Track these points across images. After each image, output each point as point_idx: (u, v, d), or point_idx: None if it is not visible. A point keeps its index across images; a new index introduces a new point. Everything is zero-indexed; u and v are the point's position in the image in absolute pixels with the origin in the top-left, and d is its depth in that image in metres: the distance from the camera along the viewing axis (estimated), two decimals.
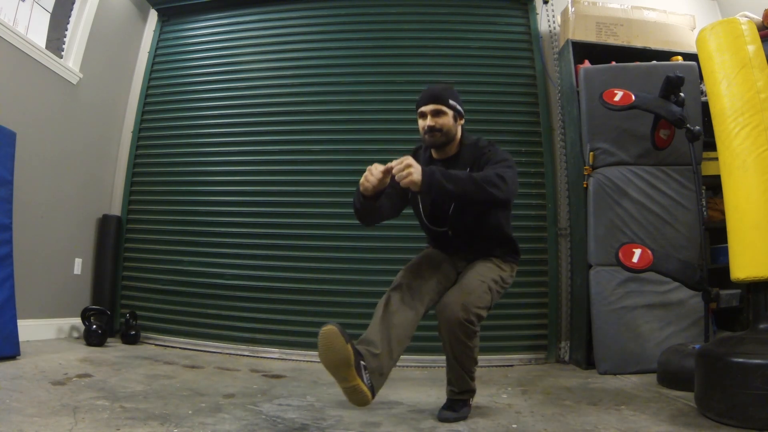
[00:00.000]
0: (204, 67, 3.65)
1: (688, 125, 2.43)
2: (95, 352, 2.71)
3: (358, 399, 1.44)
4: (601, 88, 2.62)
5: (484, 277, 1.70)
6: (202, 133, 3.54)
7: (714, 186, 2.91)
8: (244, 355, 3.05)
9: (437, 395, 2.02)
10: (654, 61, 2.98)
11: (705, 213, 2.83)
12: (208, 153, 3.50)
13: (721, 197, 2.00)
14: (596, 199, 2.77)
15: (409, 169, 1.50)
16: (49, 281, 3.00)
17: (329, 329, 1.39)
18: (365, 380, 1.43)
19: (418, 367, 2.86)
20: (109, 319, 3.14)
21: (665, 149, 2.69)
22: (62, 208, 3.13)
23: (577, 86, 2.95)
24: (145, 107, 3.70)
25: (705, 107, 2.48)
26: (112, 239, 3.42)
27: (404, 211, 1.89)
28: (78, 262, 3.27)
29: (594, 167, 2.82)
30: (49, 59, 2.98)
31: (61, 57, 3.16)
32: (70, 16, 3.27)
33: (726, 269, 1.93)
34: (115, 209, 3.56)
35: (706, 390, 1.68)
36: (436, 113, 1.75)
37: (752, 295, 1.86)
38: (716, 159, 2.03)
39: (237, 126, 3.48)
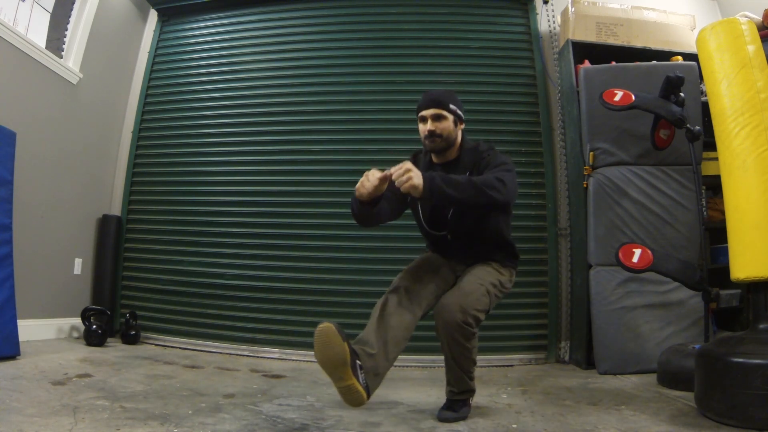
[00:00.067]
0: (204, 67, 3.65)
1: (688, 125, 2.43)
2: (95, 352, 2.72)
3: (353, 399, 1.43)
4: (601, 88, 2.62)
5: (482, 281, 1.70)
6: (202, 133, 3.54)
7: (714, 186, 2.91)
8: (244, 355, 3.05)
9: (437, 395, 2.02)
10: (654, 61, 2.98)
11: (705, 213, 2.84)
12: (208, 153, 3.50)
13: (721, 197, 2.00)
14: (596, 199, 2.77)
15: (408, 173, 1.49)
16: (49, 281, 3.01)
17: (326, 326, 1.39)
18: (360, 380, 1.43)
19: (418, 367, 2.86)
20: (109, 319, 3.14)
21: (665, 149, 2.69)
22: (62, 208, 3.13)
23: (577, 86, 2.95)
24: (145, 107, 3.70)
25: (705, 107, 2.48)
26: (112, 239, 3.42)
27: (404, 212, 1.89)
28: (78, 262, 3.27)
29: (594, 167, 2.82)
30: (49, 59, 2.98)
31: (61, 57, 3.16)
32: (70, 16, 3.27)
33: (726, 269, 1.93)
34: (115, 209, 3.56)
35: (706, 390, 1.68)
36: (437, 117, 1.75)
37: (752, 295, 1.86)
38: (716, 159, 2.03)
39: (237, 126, 3.48)
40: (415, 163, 1.86)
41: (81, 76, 3.24)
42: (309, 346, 3.11)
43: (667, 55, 3.08)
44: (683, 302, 2.65)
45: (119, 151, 3.66)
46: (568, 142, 3.18)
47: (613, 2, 3.33)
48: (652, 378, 2.34)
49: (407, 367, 2.85)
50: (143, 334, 3.23)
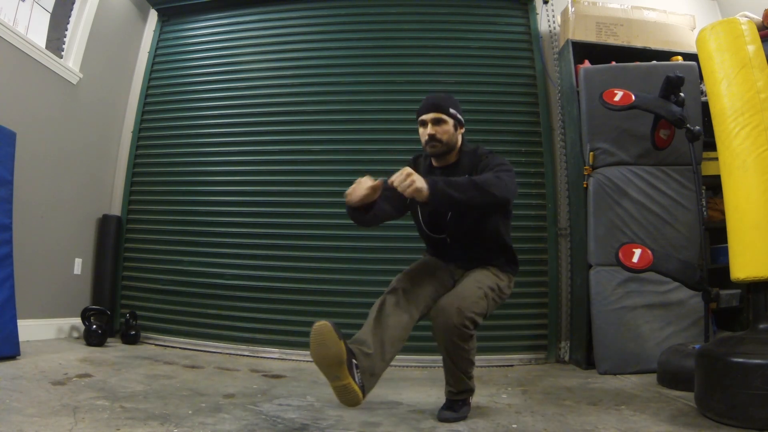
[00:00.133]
0: (204, 67, 3.65)
1: (688, 125, 2.43)
2: (95, 352, 2.72)
3: (348, 398, 1.42)
4: (601, 88, 2.62)
5: (480, 284, 1.70)
6: (202, 133, 3.54)
7: (714, 186, 2.91)
8: (244, 355, 3.05)
9: (437, 395, 2.02)
10: (654, 61, 2.98)
11: (705, 213, 2.84)
12: (208, 153, 3.50)
13: (721, 197, 2.00)
14: (596, 199, 2.77)
15: (411, 178, 1.49)
16: (49, 281, 3.01)
17: (322, 325, 1.39)
18: (356, 379, 1.42)
19: (418, 367, 2.86)
20: (109, 319, 3.14)
21: (665, 149, 2.69)
22: (62, 208, 3.13)
23: (577, 86, 2.95)
24: (145, 107, 3.70)
25: (705, 107, 2.48)
26: (112, 239, 3.42)
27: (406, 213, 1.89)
28: (78, 262, 3.27)
29: (594, 167, 2.82)
30: (49, 59, 2.98)
31: (61, 57, 3.16)
32: (70, 16, 3.27)
33: (726, 269, 1.93)
34: (115, 209, 3.56)
35: (706, 390, 1.68)
36: (437, 122, 1.75)
37: (752, 295, 1.86)
38: (716, 159, 2.03)
39: (237, 126, 3.48)
40: (416, 166, 1.87)
41: (81, 76, 3.24)
42: (308, 346, 3.12)
43: (667, 55, 3.08)
44: (683, 302, 2.65)
45: (119, 151, 3.66)
46: (568, 142, 3.18)
47: (613, 2, 3.33)
48: (652, 378, 2.34)
49: (407, 367, 2.85)
50: (143, 334, 3.23)
